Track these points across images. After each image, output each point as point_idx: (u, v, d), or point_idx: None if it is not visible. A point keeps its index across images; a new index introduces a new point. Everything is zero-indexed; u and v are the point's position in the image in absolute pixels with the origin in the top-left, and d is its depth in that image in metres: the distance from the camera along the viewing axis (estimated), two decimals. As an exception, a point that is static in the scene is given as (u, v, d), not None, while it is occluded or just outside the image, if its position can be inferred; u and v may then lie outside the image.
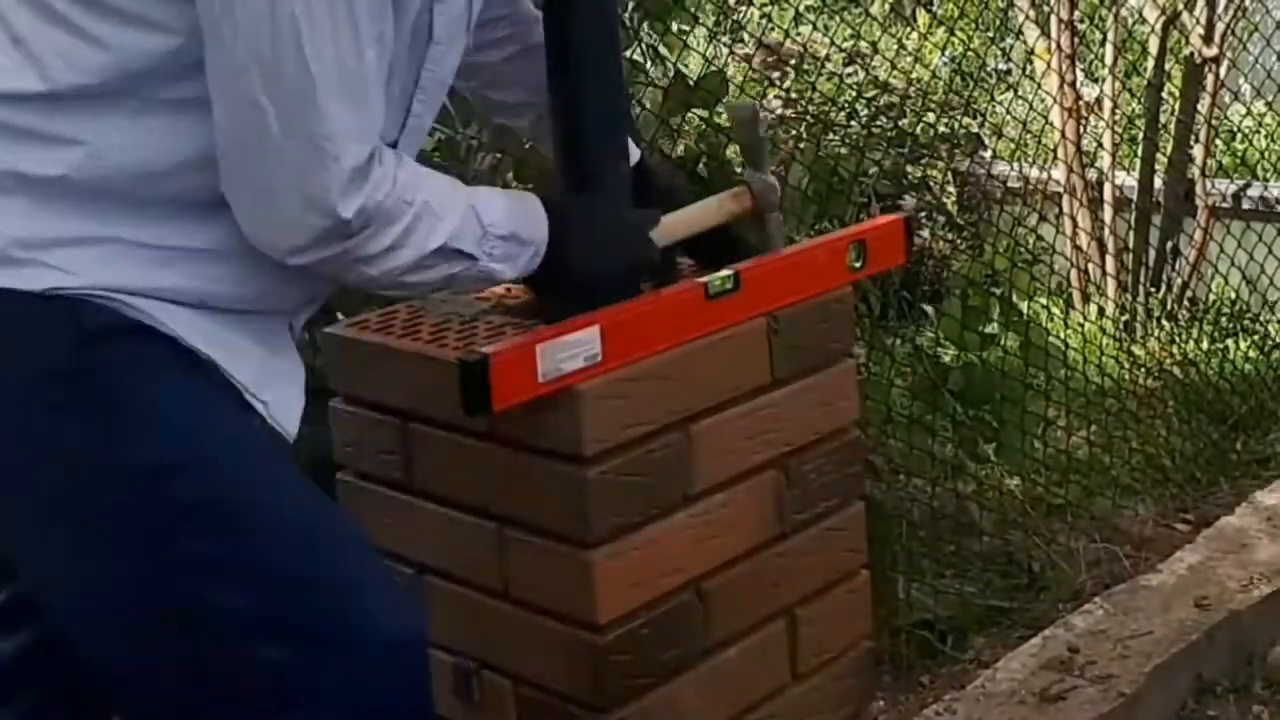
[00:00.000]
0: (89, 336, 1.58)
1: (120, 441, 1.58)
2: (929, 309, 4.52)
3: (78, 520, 1.60)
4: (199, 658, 1.61)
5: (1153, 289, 4.86)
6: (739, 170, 3.42)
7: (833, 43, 4.37)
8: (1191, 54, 4.90)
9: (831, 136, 4.59)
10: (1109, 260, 4.84)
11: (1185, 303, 4.90)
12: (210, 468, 1.61)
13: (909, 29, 5.96)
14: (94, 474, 1.59)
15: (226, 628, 1.59)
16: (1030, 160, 5.13)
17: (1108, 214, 4.89)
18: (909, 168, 5.26)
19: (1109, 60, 5.00)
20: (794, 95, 4.82)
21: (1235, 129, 5.72)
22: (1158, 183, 4.93)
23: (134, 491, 1.58)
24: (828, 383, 1.98)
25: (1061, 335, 4.26)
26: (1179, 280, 4.92)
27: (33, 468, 1.61)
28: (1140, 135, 5.09)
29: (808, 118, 4.57)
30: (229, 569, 1.59)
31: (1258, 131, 5.68)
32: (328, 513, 1.73)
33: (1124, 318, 4.73)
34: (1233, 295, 4.95)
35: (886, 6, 5.98)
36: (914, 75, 4.81)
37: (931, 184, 5.32)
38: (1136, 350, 4.56)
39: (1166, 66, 4.99)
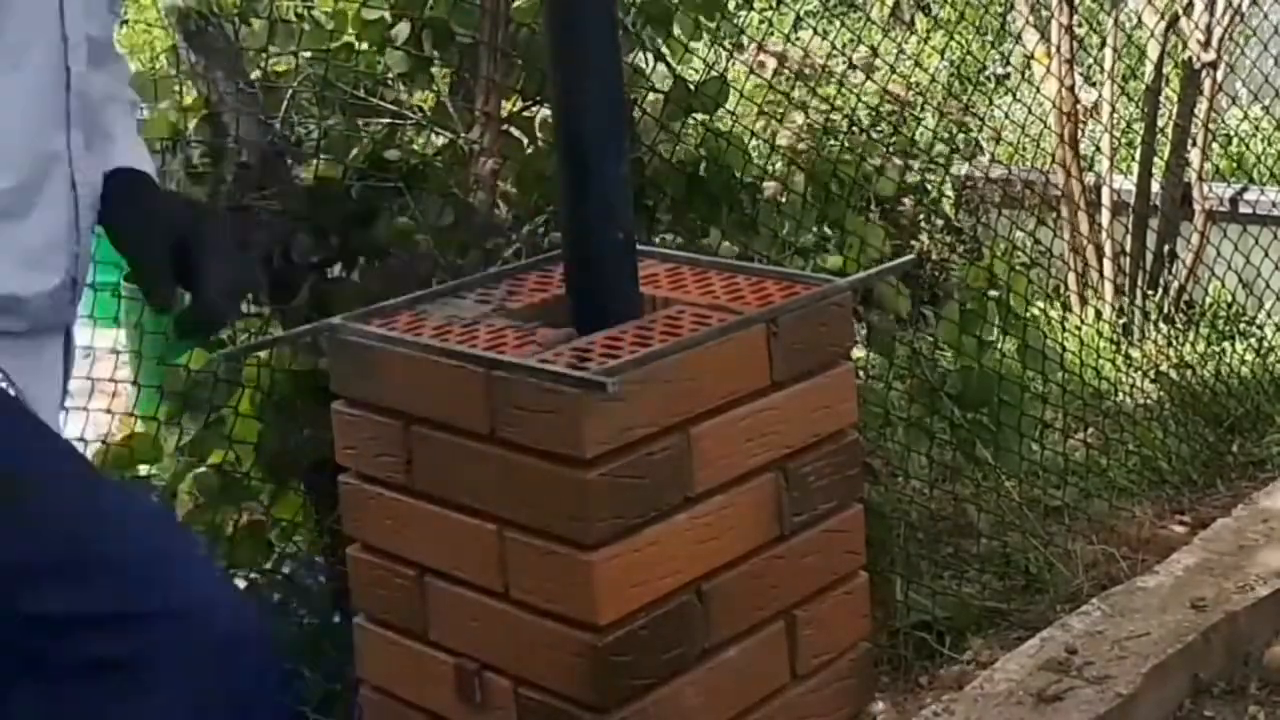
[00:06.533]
0: None
1: None
2: (928, 312, 4.53)
3: None
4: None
5: (1150, 293, 4.87)
6: (738, 174, 3.44)
7: (834, 47, 4.38)
8: (1189, 59, 4.92)
9: (831, 140, 4.59)
10: (1106, 264, 4.85)
11: (1182, 306, 4.91)
12: None
13: (909, 33, 5.98)
14: None
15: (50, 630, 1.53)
16: (1029, 164, 5.14)
17: (1105, 218, 4.90)
18: (908, 171, 5.26)
19: (1107, 65, 5.02)
20: (792, 99, 4.82)
21: (1232, 133, 5.73)
22: (1155, 187, 4.94)
23: None
24: (827, 385, 1.99)
25: (1059, 339, 4.27)
26: (1176, 284, 4.93)
27: None
28: (1138, 139, 5.11)
29: (806, 121, 4.57)
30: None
31: (1254, 136, 5.70)
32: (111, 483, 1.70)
33: (1121, 321, 4.74)
34: (1229, 299, 4.96)
35: (885, 11, 5.99)
36: (913, 79, 4.82)
37: (930, 187, 5.32)
38: (1133, 353, 4.57)
39: (1164, 71, 5.01)
